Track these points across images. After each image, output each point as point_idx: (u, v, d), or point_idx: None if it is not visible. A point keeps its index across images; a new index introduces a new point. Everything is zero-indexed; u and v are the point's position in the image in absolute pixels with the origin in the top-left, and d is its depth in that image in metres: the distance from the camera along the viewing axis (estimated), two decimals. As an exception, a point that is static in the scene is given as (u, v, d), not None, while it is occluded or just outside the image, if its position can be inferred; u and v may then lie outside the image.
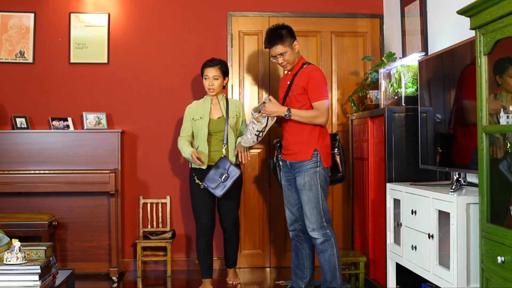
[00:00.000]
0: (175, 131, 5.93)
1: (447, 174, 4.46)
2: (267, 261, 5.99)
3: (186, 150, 4.99)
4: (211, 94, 5.10)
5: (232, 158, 5.04)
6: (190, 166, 5.12)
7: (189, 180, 5.13)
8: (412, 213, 3.98)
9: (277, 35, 4.58)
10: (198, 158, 4.89)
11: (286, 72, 4.75)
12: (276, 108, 4.53)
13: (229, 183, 4.90)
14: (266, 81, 6.02)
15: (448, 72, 4.05)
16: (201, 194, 5.02)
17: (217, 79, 5.06)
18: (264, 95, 5.99)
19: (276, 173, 4.87)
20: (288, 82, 4.64)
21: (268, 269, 5.92)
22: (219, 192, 4.92)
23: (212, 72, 5.05)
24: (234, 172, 4.91)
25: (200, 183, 4.97)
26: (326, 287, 4.52)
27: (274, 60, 4.66)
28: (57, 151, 5.64)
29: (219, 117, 5.08)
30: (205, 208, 5.04)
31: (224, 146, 5.03)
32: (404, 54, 5.37)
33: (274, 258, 5.98)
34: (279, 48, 4.56)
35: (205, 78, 5.08)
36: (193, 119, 5.08)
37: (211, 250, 5.12)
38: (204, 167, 4.99)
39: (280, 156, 4.77)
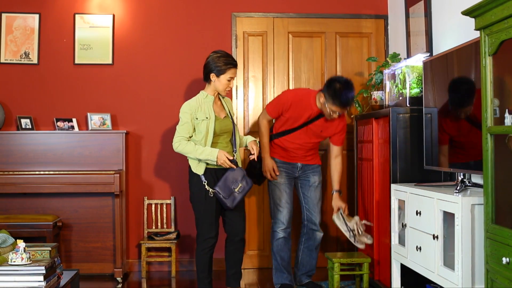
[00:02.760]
0: (179, 132, 5.93)
1: (451, 175, 4.45)
2: (271, 262, 5.97)
3: (205, 151, 4.37)
4: (224, 95, 4.66)
5: (239, 163, 4.59)
6: (192, 170, 4.51)
7: (192, 186, 4.54)
8: (416, 214, 3.97)
9: (352, 100, 4.72)
10: (232, 161, 4.40)
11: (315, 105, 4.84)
12: (343, 202, 5.01)
13: (241, 195, 4.48)
14: (271, 82, 6.01)
15: (452, 72, 4.04)
16: (210, 203, 4.46)
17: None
18: (269, 96, 5.99)
19: (257, 173, 4.97)
20: (312, 116, 4.80)
21: (271, 270, 5.90)
22: (230, 203, 4.44)
23: (235, 73, 4.58)
24: (249, 184, 4.52)
25: (210, 190, 4.42)
26: (312, 274, 5.14)
27: (330, 112, 4.67)
28: (62, 152, 5.65)
29: (225, 116, 4.58)
30: (214, 220, 4.50)
31: (235, 152, 4.58)
32: (408, 55, 5.36)
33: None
34: (344, 110, 4.73)
35: (229, 80, 4.52)
36: (196, 119, 4.45)
37: (212, 261, 4.62)
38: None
39: (273, 157, 4.97)
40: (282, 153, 4.97)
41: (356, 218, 4.90)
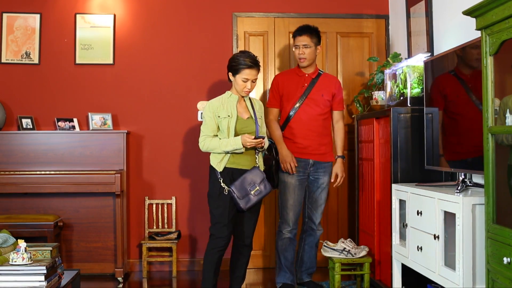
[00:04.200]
0: (180, 131, 5.94)
1: (452, 174, 4.45)
2: (272, 262, 5.98)
3: (229, 142, 4.28)
4: (244, 95, 4.49)
5: (261, 167, 4.51)
6: (212, 167, 4.40)
7: (209, 183, 4.43)
8: (417, 214, 3.97)
9: (308, 28, 4.97)
10: (257, 137, 4.27)
11: (299, 69, 5.02)
12: (343, 170, 5.06)
13: (257, 198, 4.36)
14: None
15: (453, 72, 4.04)
16: (223, 202, 4.32)
17: (254, 81, 4.45)
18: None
19: (272, 174, 4.82)
20: (306, 85, 4.95)
21: (273, 270, 5.91)
22: (244, 205, 4.31)
23: (253, 75, 4.38)
24: (267, 189, 4.40)
25: (226, 188, 4.31)
26: (313, 272, 5.19)
27: (295, 50, 4.97)
28: (63, 151, 5.65)
29: (248, 117, 4.45)
30: (227, 220, 4.36)
31: (257, 154, 4.45)
32: (409, 55, 5.36)
33: (280, 259, 5.97)
34: (305, 39, 4.90)
35: (244, 80, 4.36)
36: (218, 116, 4.35)
37: (220, 262, 4.48)
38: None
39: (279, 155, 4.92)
40: (293, 147, 4.89)
41: (341, 239, 5.00)
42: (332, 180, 5.00)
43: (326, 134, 5.00)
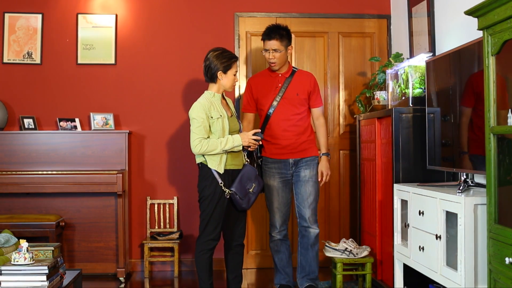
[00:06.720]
0: (182, 131, 5.93)
1: (454, 175, 4.45)
2: (272, 262, 5.97)
3: (229, 140, 4.22)
4: (231, 90, 4.56)
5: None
6: (206, 171, 4.30)
7: (206, 187, 4.28)
8: (419, 214, 3.97)
9: (278, 31, 4.75)
10: (256, 134, 4.34)
11: (271, 70, 4.86)
12: (328, 168, 4.86)
13: (255, 195, 4.37)
14: (273, 81, 6.01)
15: (455, 72, 4.04)
16: (222, 205, 4.26)
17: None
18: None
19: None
20: (280, 85, 4.81)
21: (273, 270, 5.91)
22: (246, 204, 4.32)
23: (237, 66, 4.46)
24: (261, 184, 4.44)
25: (227, 191, 4.24)
26: (315, 278, 4.86)
27: (264, 54, 4.79)
28: (65, 151, 5.65)
29: (231, 115, 4.42)
30: (220, 222, 4.33)
31: (244, 151, 4.46)
32: (411, 55, 5.36)
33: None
34: (275, 43, 4.72)
35: (234, 74, 4.39)
36: (211, 117, 4.26)
37: (212, 263, 4.46)
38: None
39: (264, 156, 4.85)
40: (272, 148, 4.82)
41: (342, 239, 5.02)
42: (319, 180, 4.83)
43: (305, 132, 4.82)
